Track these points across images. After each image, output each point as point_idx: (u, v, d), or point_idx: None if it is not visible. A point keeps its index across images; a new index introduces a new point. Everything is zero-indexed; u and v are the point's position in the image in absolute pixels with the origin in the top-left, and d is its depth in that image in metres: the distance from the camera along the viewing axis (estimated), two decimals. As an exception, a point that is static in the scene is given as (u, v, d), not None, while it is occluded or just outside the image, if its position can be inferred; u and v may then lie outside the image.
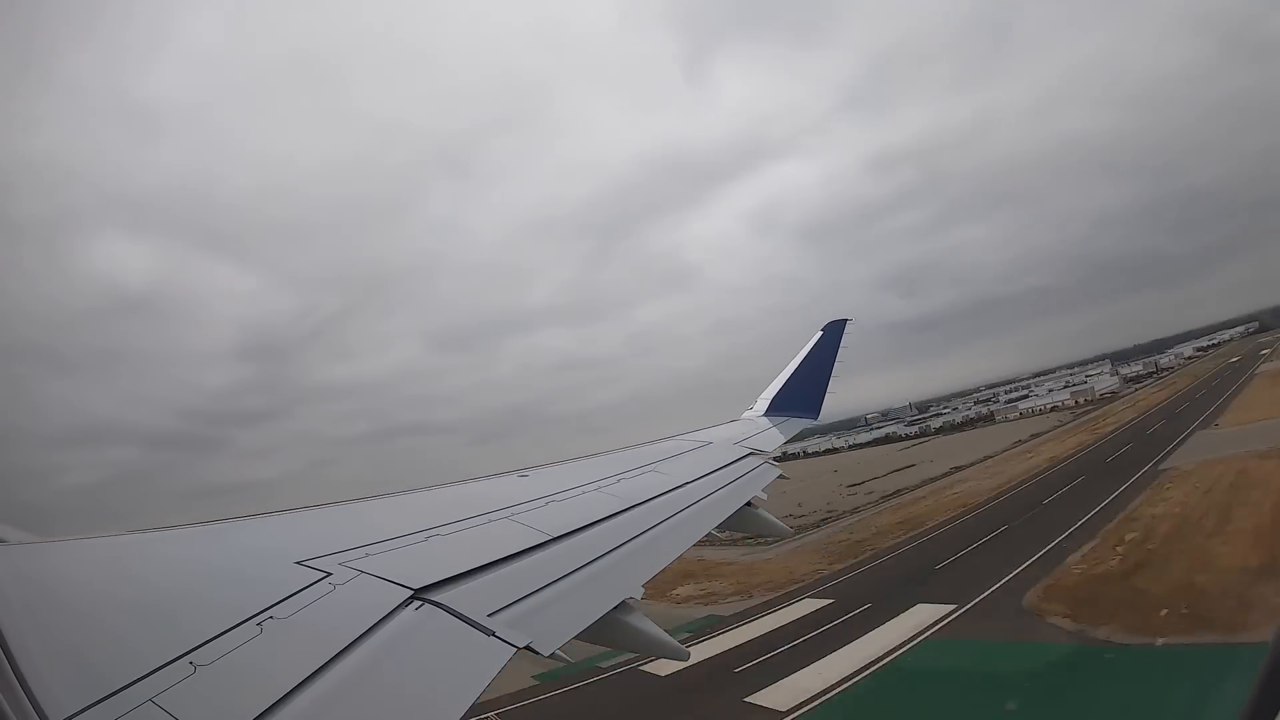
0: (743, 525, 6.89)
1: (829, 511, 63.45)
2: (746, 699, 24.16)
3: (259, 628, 2.71)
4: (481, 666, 2.96)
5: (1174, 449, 46.04)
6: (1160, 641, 20.98)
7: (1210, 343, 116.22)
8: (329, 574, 3.34)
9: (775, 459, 8.74)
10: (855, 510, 63.19)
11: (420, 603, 3.29)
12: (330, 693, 2.43)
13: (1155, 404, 74.00)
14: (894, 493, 66.32)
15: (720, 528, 6.30)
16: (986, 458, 69.60)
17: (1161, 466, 42.28)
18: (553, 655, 3.29)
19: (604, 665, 29.40)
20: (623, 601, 4.06)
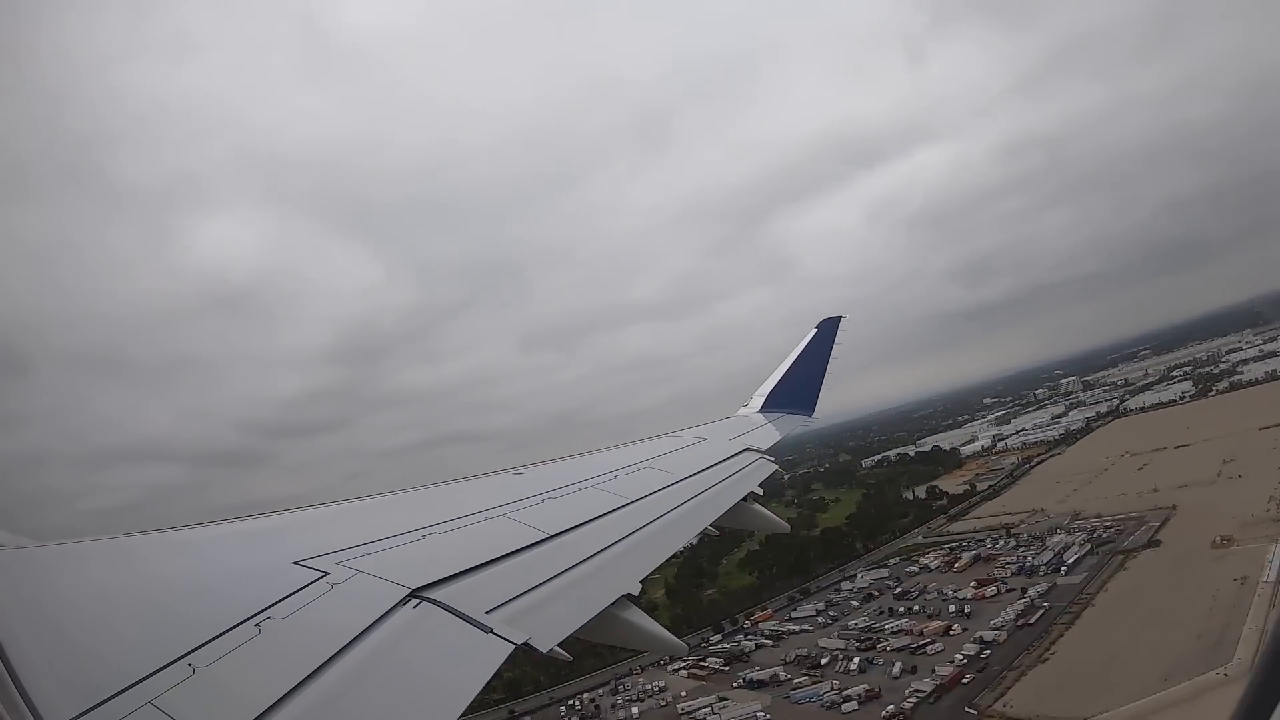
0: (740, 521, 6.91)
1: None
2: None
3: (257, 628, 2.72)
4: (480, 664, 2.97)
5: None
6: None
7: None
8: (326, 574, 3.34)
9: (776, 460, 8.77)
10: None
11: (418, 601, 3.30)
12: (330, 692, 2.44)
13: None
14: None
15: (717, 524, 6.33)
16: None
17: None
18: (550, 652, 3.30)
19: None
20: (620, 598, 4.07)
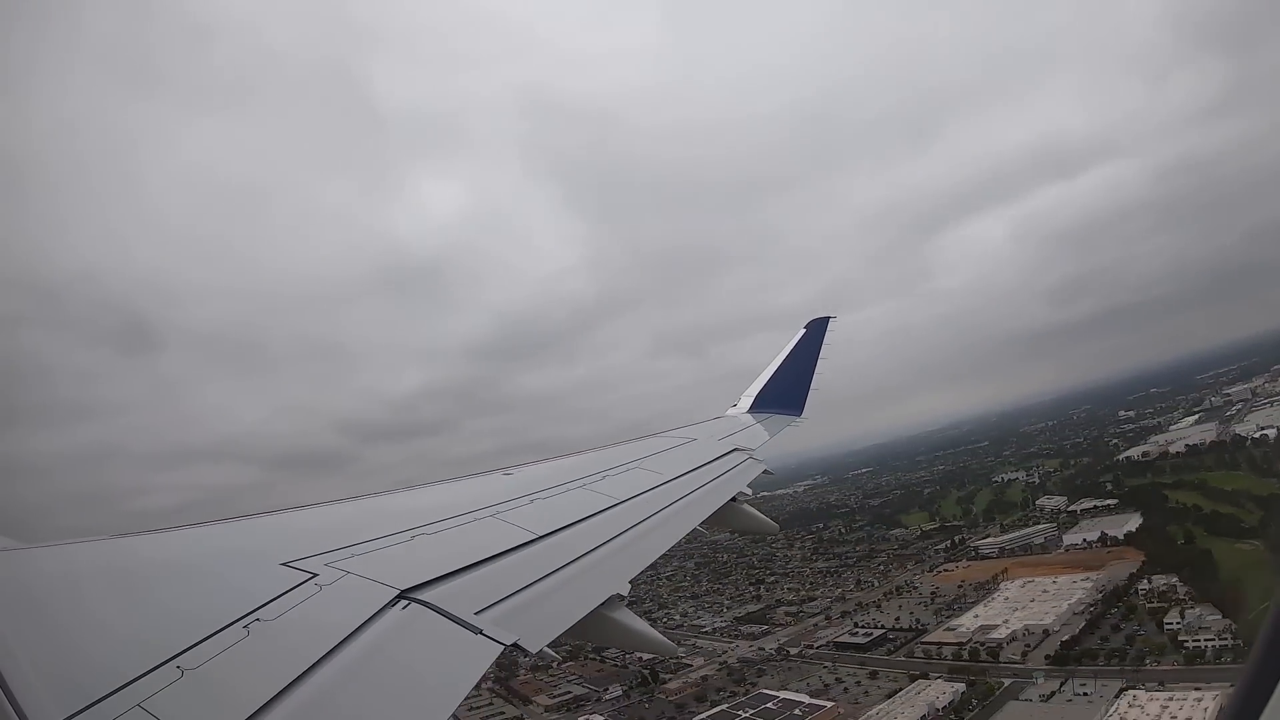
0: (728, 521, 6.95)
1: None
2: None
3: (246, 630, 2.71)
4: (469, 664, 2.98)
5: None
6: None
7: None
8: (315, 575, 3.33)
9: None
10: None
11: (407, 602, 3.30)
12: (319, 693, 2.44)
13: None
14: None
15: (706, 523, 6.36)
16: None
17: None
18: (540, 653, 3.32)
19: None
20: (610, 598, 4.09)
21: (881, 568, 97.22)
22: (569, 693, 69.74)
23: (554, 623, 3.64)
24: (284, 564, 3.44)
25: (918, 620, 75.84)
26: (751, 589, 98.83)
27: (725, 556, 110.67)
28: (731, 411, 11.31)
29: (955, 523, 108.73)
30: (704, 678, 70.33)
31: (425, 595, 3.41)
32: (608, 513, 5.52)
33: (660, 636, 4.24)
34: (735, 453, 8.53)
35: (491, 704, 68.80)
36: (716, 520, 6.65)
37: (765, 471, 8.14)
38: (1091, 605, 67.93)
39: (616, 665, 73.53)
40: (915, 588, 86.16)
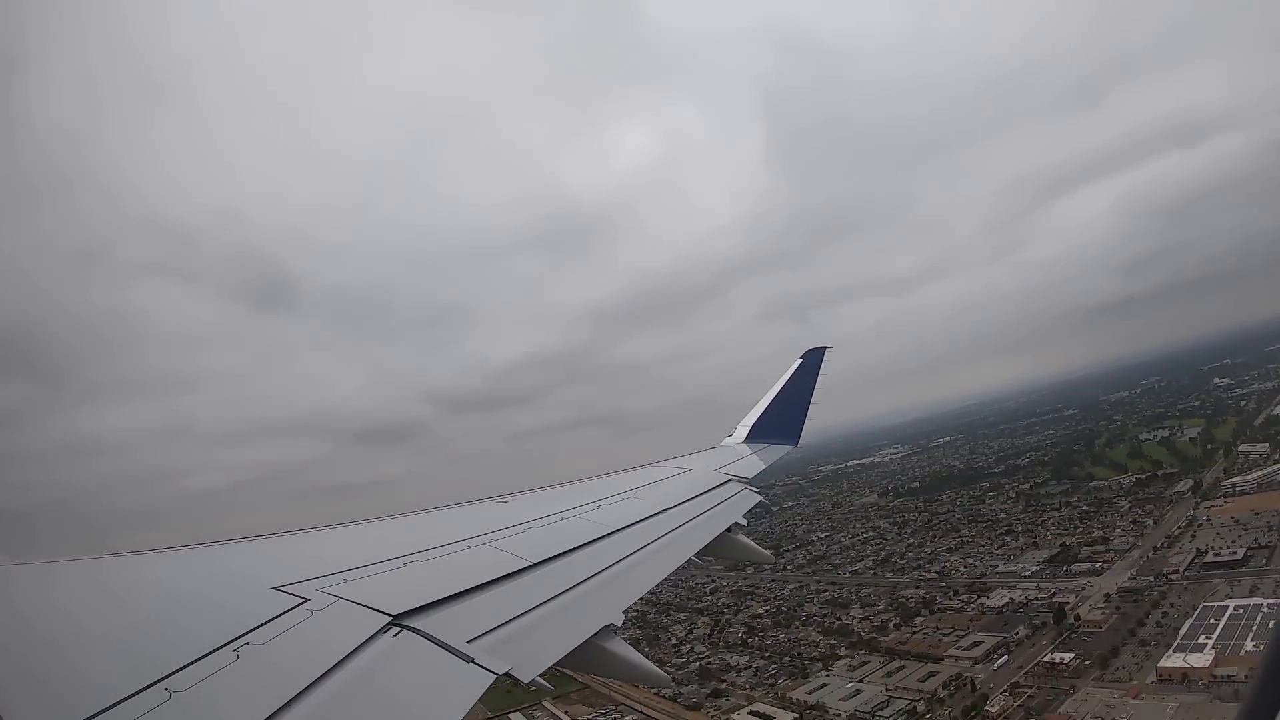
0: (724, 551, 6.90)
1: None
2: None
3: (235, 654, 2.68)
4: (461, 693, 2.94)
5: None
6: None
7: None
8: (306, 599, 3.31)
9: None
10: None
11: (399, 629, 3.27)
12: (308, 719, 2.41)
13: None
14: None
15: (701, 554, 6.32)
16: None
17: None
18: (533, 682, 3.28)
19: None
20: (604, 628, 4.05)
21: (1128, 509, 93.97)
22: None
23: (547, 652, 3.59)
24: (275, 588, 3.41)
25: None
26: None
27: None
28: (728, 441, 11.32)
29: (1167, 469, 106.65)
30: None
31: (417, 622, 3.38)
32: (601, 542, 5.49)
33: (654, 668, 4.18)
34: (731, 483, 8.52)
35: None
36: (712, 551, 6.61)
37: (761, 503, 8.12)
38: None
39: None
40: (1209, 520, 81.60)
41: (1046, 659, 59.03)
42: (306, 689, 2.54)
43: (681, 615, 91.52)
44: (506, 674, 3.16)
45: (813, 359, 12.08)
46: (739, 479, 8.75)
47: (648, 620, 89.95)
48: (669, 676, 4.48)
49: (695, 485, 8.02)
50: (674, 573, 5.65)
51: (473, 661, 3.16)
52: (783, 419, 11.41)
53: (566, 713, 65.20)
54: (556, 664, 3.63)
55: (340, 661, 2.79)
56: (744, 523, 7.28)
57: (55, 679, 2.50)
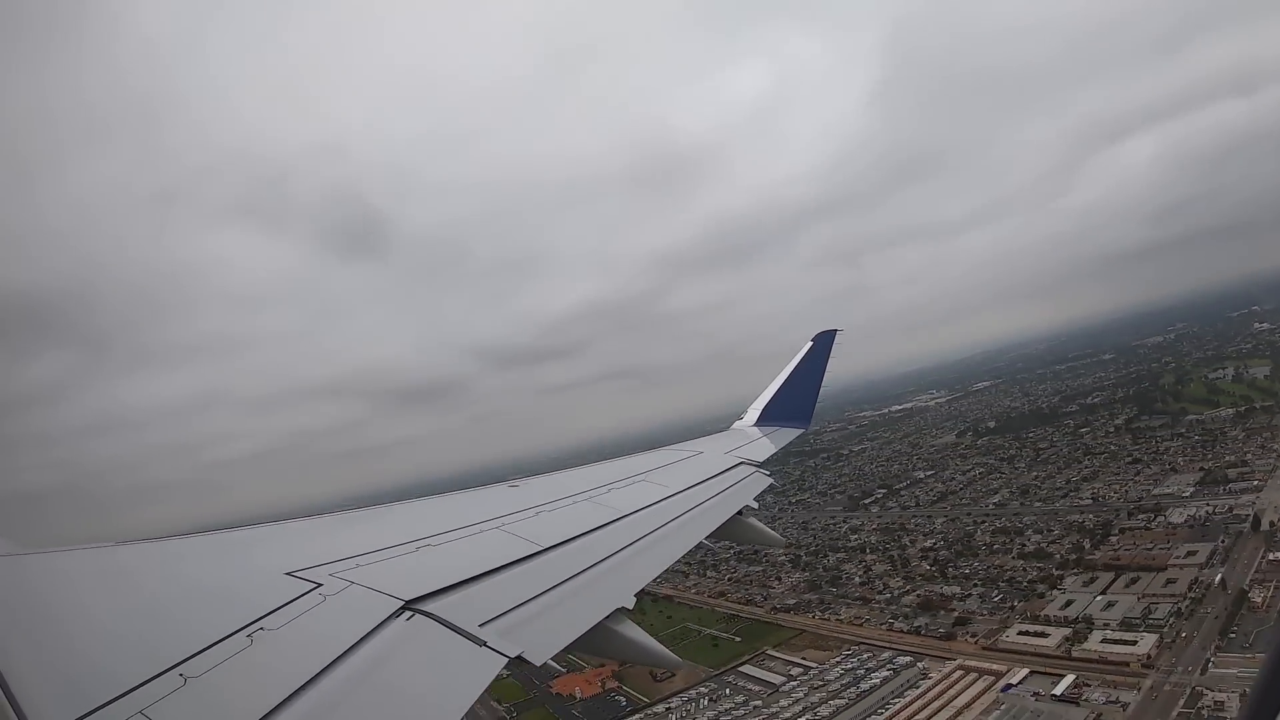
0: (734, 535, 6.90)
1: None
2: None
3: (249, 639, 2.71)
4: (473, 677, 2.96)
5: None
6: None
7: None
8: (319, 585, 3.33)
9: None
10: None
11: (411, 613, 3.29)
12: (321, 704, 2.43)
13: None
14: None
15: (712, 537, 6.31)
16: None
17: None
18: (544, 666, 3.29)
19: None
20: (615, 611, 4.06)
21: (1245, 437, 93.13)
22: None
23: (558, 635, 3.61)
24: (288, 573, 3.44)
25: None
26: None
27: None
28: (738, 424, 11.28)
29: (1262, 403, 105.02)
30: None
31: (429, 606, 3.40)
32: (613, 526, 5.49)
33: (665, 650, 4.19)
34: (742, 466, 8.49)
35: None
36: (723, 534, 6.60)
37: (771, 486, 8.09)
38: None
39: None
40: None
41: (1271, 558, 60.72)
42: (320, 673, 2.56)
43: (841, 555, 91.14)
44: (518, 657, 3.18)
45: (823, 342, 11.99)
46: (750, 462, 8.72)
47: (808, 563, 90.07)
48: (681, 660, 4.49)
49: (706, 469, 8.00)
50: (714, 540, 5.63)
51: (485, 645, 3.18)
52: (794, 402, 11.35)
53: (803, 656, 66.42)
54: (568, 647, 3.65)
55: (353, 646, 2.81)
56: (755, 505, 7.26)
57: (69, 666, 2.52)
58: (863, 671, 60.64)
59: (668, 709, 60.59)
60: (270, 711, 2.29)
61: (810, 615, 76.82)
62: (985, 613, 67.87)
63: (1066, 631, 59.38)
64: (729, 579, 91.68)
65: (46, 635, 2.71)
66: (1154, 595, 60.94)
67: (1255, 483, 78.17)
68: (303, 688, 2.45)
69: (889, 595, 76.54)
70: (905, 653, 63.23)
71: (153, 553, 3.86)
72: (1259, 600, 55.66)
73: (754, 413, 11.44)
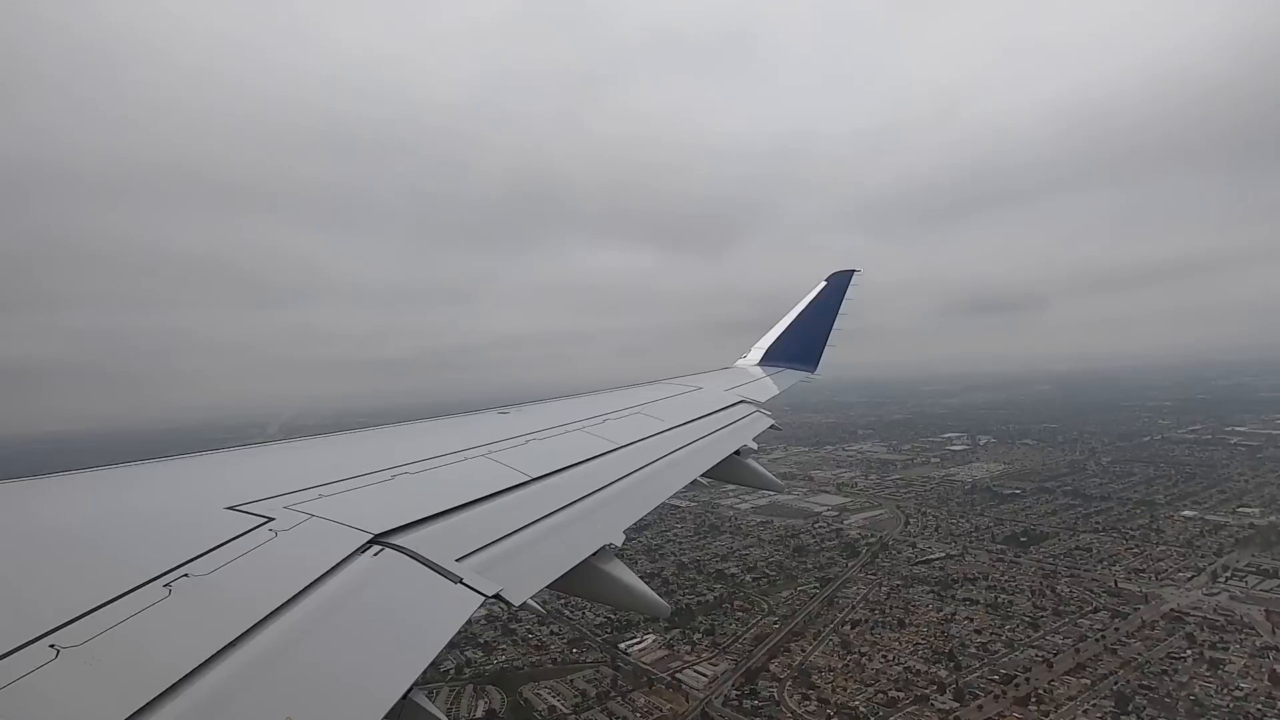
0: (731, 475, 6.67)
1: None
2: None
3: (167, 589, 2.27)
4: (447, 616, 2.68)
5: None
6: None
7: None
8: (270, 519, 2.96)
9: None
10: None
11: (380, 547, 2.98)
12: (263, 656, 2.06)
13: None
14: None
15: (707, 475, 6.08)
16: None
17: None
18: (523, 605, 3.03)
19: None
20: (602, 548, 3.80)
21: None
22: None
23: (540, 573, 3.35)
24: (230, 508, 3.04)
25: None
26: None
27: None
28: (741, 363, 10.94)
29: None
30: None
31: (401, 540, 3.10)
32: (606, 457, 5.23)
33: (653, 594, 3.96)
34: (742, 404, 8.20)
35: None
36: (719, 473, 6.36)
37: (773, 427, 7.82)
38: None
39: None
40: None
41: None
42: (261, 621, 2.20)
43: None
44: (496, 595, 2.91)
45: (839, 282, 11.43)
46: (751, 401, 8.42)
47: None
48: (669, 606, 4.28)
49: (705, 404, 7.71)
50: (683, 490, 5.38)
51: (460, 582, 2.90)
52: (802, 343, 10.93)
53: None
54: (550, 585, 3.40)
55: (306, 588, 2.46)
56: (754, 446, 7.01)
57: None
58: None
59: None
60: (183, 678, 1.85)
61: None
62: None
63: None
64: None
65: None
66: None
67: None
68: (235, 641, 2.06)
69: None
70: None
71: (58, 489, 3.27)
72: None
73: (758, 351, 11.07)
